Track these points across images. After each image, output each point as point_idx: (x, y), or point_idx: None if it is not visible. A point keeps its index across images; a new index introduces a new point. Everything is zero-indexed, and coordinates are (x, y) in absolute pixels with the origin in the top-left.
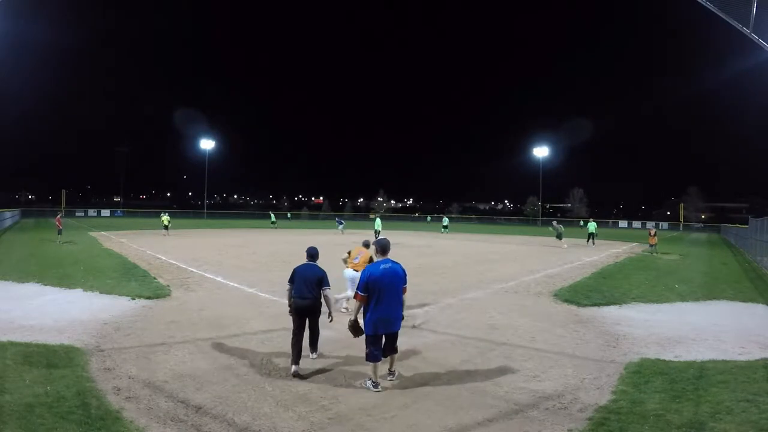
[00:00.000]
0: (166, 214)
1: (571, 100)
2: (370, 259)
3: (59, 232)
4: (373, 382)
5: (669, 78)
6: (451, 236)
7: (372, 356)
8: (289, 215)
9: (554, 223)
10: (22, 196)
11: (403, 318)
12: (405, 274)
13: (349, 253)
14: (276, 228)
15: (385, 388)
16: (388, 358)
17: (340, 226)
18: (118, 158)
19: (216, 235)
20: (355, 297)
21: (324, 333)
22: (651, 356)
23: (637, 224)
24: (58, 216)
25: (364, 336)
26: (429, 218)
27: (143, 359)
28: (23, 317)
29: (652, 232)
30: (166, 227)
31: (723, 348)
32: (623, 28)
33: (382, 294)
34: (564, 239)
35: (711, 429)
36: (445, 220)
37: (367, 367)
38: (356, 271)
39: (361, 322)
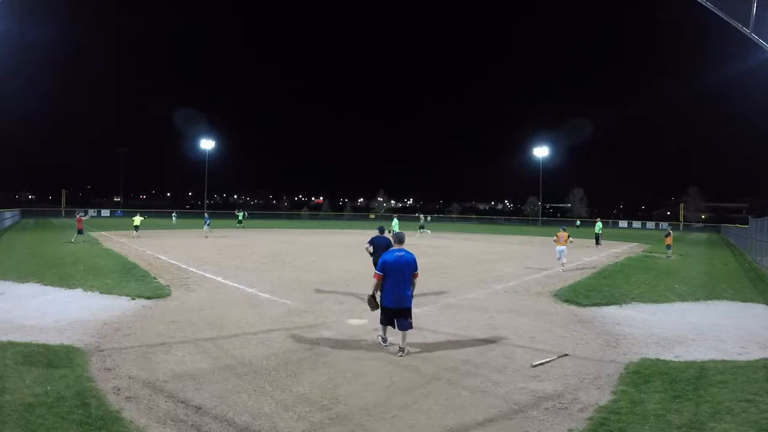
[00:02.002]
0: (138, 214)
1: (571, 100)
2: (559, 236)
3: (79, 232)
4: (383, 338)
5: (669, 78)
6: (450, 236)
7: (384, 321)
8: (242, 215)
9: (421, 216)
10: (22, 196)
11: (412, 297)
12: (415, 262)
13: (557, 235)
14: (242, 227)
15: (391, 350)
16: (400, 335)
17: (206, 227)
18: (118, 158)
19: (216, 235)
20: (374, 276)
21: (327, 333)
22: (651, 356)
23: (637, 224)
24: (78, 215)
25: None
26: (429, 218)
27: (143, 359)
28: (23, 317)
29: (668, 233)
30: (136, 228)
31: (723, 348)
32: (623, 28)
33: (394, 275)
34: (424, 231)
35: (711, 429)
36: (422, 220)
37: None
38: (560, 245)
39: (378, 297)
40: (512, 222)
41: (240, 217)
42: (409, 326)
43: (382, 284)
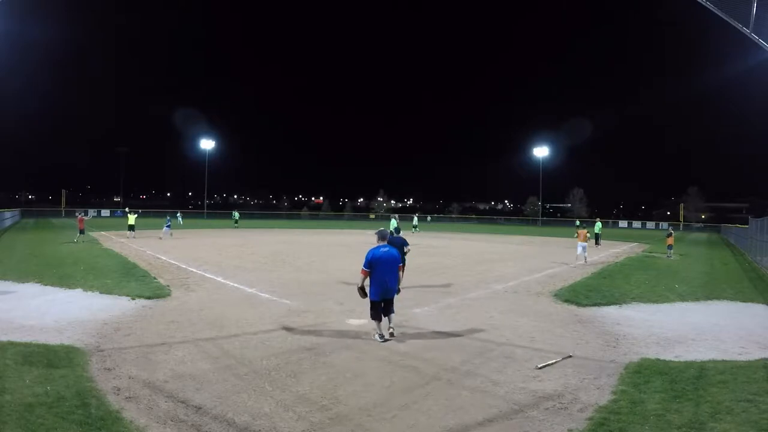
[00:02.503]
0: (131, 213)
1: (571, 100)
2: (579, 233)
3: (81, 232)
4: (380, 335)
5: (669, 78)
6: (450, 236)
7: (375, 316)
8: (237, 215)
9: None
10: (22, 196)
11: (399, 291)
12: (399, 257)
13: (578, 232)
14: (237, 227)
15: (387, 342)
16: (388, 318)
17: (166, 228)
18: (118, 158)
19: (216, 235)
20: (361, 272)
21: (327, 333)
22: (651, 356)
23: (637, 224)
24: (80, 215)
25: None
26: (429, 218)
27: (143, 359)
28: (23, 317)
29: (670, 233)
30: (131, 228)
31: (723, 348)
32: (623, 28)
33: (381, 269)
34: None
35: (711, 429)
36: (415, 220)
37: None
38: (582, 241)
39: (367, 289)
40: (512, 222)
41: (236, 218)
42: (392, 311)
43: (370, 278)
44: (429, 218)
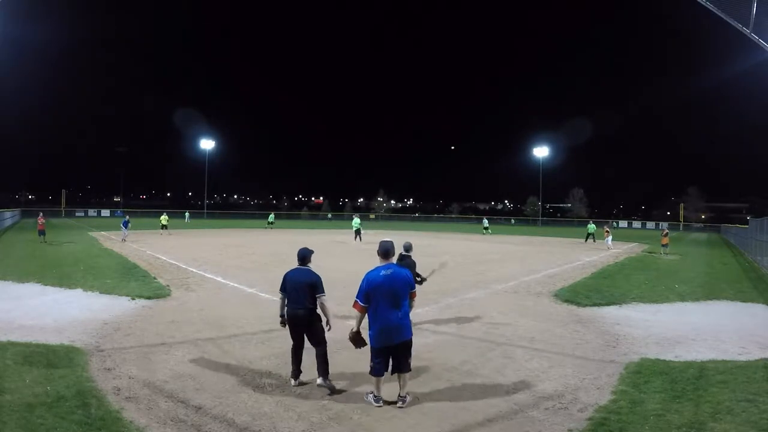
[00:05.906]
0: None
1: (571, 100)
2: (606, 230)
3: (41, 233)
4: (375, 396)
5: (669, 78)
6: (450, 236)
7: (375, 370)
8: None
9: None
10: (22, 196)
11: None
12: (411, 280)
13: (605, 230)
14: (272, 228)
15: (388, 403)
16: (399, 377)
17: (124, 229)
18: (118, 158)
19: (216, 235)
20: (354, 306)
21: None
22: (651, 356)
23: (637, 224)
24: (40, 217)
25: (368, 347)
26: (372, 216)
27: (143, 359)
28: (23, 317)
29: (665, 233)
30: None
31: (723, 348)
32: (623, 28)
33: (383, 301)
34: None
35: (711, 429)
36: (356, 221)
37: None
38: (607, 236)
39: (365, 333)
40: (512, 222)
41: (271, 219)
42: (408, 367)
43: (369, 315)
44: (372, 216)
